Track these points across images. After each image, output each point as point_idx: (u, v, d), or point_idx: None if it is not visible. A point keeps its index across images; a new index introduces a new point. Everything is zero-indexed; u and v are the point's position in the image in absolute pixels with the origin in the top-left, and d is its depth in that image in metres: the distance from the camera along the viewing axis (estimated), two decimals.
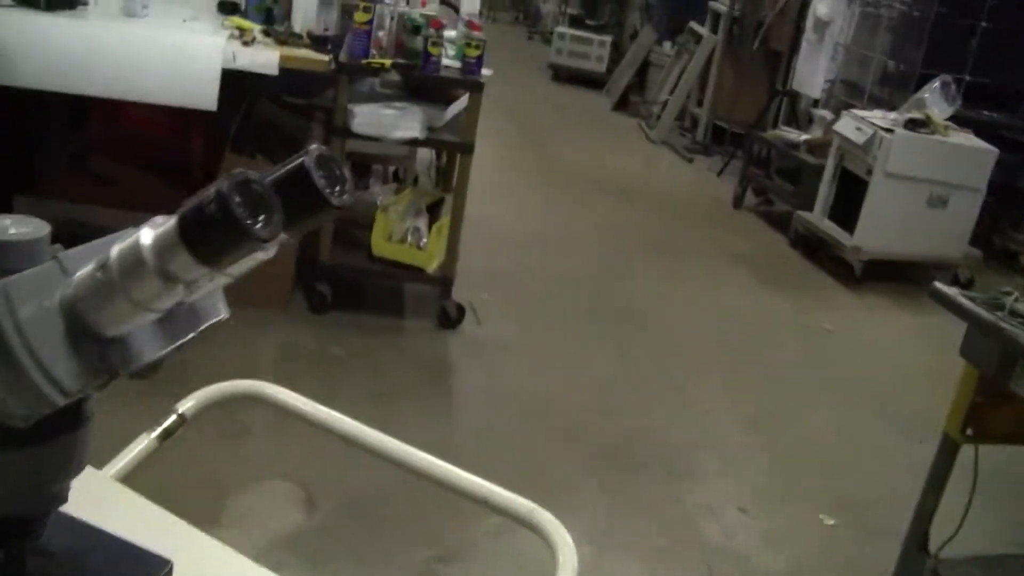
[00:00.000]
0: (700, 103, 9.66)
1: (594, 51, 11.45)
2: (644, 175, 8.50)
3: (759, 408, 4.81)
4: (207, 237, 0.75)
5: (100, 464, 1.37)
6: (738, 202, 8.00)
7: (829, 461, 4.47)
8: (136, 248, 0.79)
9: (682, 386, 4.88)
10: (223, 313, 0.91)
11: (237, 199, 0.73)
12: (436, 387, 4.50)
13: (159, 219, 0.79)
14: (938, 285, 2.98)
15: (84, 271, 0.82)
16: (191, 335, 0.89)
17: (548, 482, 3.82)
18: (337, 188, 0.78)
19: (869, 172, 6.55)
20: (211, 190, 0.73)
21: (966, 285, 7.07)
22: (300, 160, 0.79)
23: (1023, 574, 3.30)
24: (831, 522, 3.98)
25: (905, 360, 5.77)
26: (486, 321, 5.02)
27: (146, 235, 0.78)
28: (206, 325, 0.90)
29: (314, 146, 0.79)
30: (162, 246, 0.78)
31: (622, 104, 10.60)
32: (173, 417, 1.58)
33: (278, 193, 0.77)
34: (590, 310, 5.55)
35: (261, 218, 0.74)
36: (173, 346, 0.87)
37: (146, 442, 1.52)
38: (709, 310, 5.91)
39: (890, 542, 3.68)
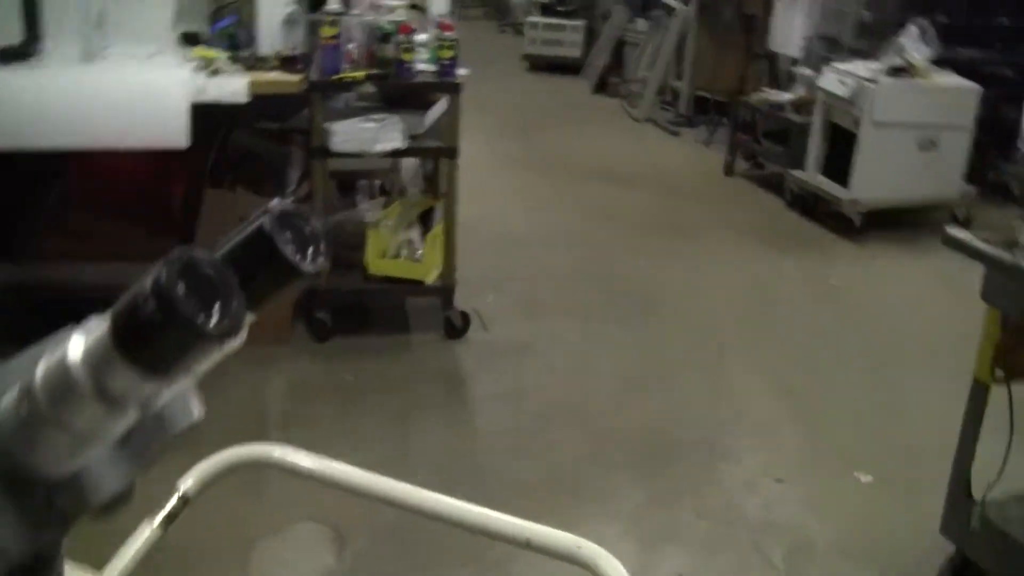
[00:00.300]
0: (679, 76, 9.56)
1: (568, 37, 11.35)
2: (632, 155, 8.40)
3: (782, 375, 4.73)
4: (149, 343, 0.59)
5: (100, 562, 1.26)
6: (729, 170, 7.92)
7: (858, 418, 4.41)
8: (63, 366, 0.63)
9: (702, 364, 4.80)
10: (196, 415, 0.74)
11: (181, 289, 0.58)
12: (453, 398, 4.42)
13: (93, 322, 0.64)
14: (951, 230, 2.92)
15: (4, 403, 0.66)
16: (161, 451, 0.74)
17: (581, 482, 3.76)
18: (309, 250, 0.66)
19: (857, 124, 6.49)
20: (147, 281, 0.58)
21: (965, 223, 7.00)
22: (258, 223, 0.64)
23: None
24: (868, 479, 3.92)
25: (919, 306, 5.71)
26: (493, 325, 4.94)
27: (75, 347, 0.63)
28: (179, 432, 0.74)
29: (274, 202, 0.66)
30: (95, 360, 0.62)
31: (601, 87, 10.51)
32: (175, 500, 1.46)
33: (236, 268, 0.62)
34: (598, 299, 5.46)
35: (215, 308, 0.59)
36: (141, 469, 0.72)
37: (148, 532, 1.40)
38: (717, 282, 5.83)
39: (932, 493, 3.62)
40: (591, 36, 11.23)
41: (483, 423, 4.23)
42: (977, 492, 3.09)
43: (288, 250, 0.64)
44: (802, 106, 7.20)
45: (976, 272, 3.06)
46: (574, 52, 11.32)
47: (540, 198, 7.13)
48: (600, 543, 3.41)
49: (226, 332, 0.59)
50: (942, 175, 6.78)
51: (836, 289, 5.90)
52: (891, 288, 6.02)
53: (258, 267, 0.64)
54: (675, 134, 9.06)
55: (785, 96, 7.44)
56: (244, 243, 0.65)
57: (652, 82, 9.45)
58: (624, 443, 4.07)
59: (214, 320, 0.59)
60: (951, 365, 4.66)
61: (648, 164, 8.15)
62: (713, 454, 4.03)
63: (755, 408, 4.43)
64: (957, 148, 6.77)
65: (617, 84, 10.32)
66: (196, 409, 0.73)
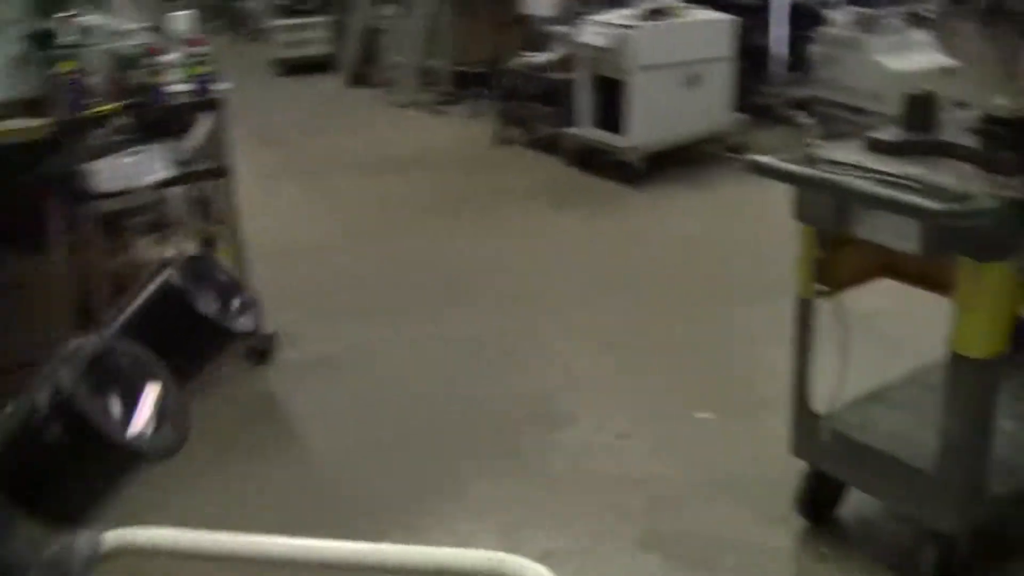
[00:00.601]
0: (435, 55, 9.46)
1: (314, 35, 11.08)
2: (403, 142, 8.25)
3: (602, 331, 4.71)
4: (58, 483, 0.43)
5: None
6: (503, 139, 7.87)
7: (685, 359, 4.43)
8: None
9: (523, 336, 4.73)
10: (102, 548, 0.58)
11: (92, 396, 0.41)
12: (276, 426, 4.18)
13: None
14: (752, 157, 2.89)
15: None
16: None
17: (427, 483, 3.62)
18: (234, 303, 0.48)
19: (622, 72, 6.56)
20: (39, 395, 0.41)
21: (740, 150, 7.17)
22: (163, 283, 0.49)
23: (907, 399, 3.28)
24: (708, 416, 3.93)
25: (719, 239, 5.82)
26: (302, 342, 4.71)
27: None
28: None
29: (173, 255, 0.48)
30: None
31: (359, 79, 10.30)
32: None
33: (151, 348, 0.45)
34: (404, 294, 5.31)
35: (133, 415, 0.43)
36: None
37: None
38: (517, 252, 5.77)
39: (774, 418, 3.65)
40: (339, 30, 11.00)
41: (313, 447, 4.02)
42: (819, 407, 3.11)
43: (211, 309, 0.47)
44: (564, 64, 7.21)
45: (764, 195, 3.06)
46: (324, 49, 11.06)
47: (322, 201, 6.92)
48: (462, 540, 3.30)
49: (169, 445, 0.42)
50: (711, 108, 6.96)
51: (633, 236, 5.93)
52: (687, 225, 6.10)
53: (179, 339, 0.47)
54: (442, 113, 8.97)
55: (546, 57, 7.43)
56: (152, 312, 0.47)
57: (409, 66, 9.33)
58: (461, 433, 3.96)
59: (143, 430, 0.41)
60: (764, 290, 4.76)
61: (421, 148, 8.02)
62: (552, 423, 3.97)
63: (584, 369, 4.39)
64: (721, 80, 6.96)
65: (374, 74, 10.15)
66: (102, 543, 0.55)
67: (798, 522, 3.25)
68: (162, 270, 0.48)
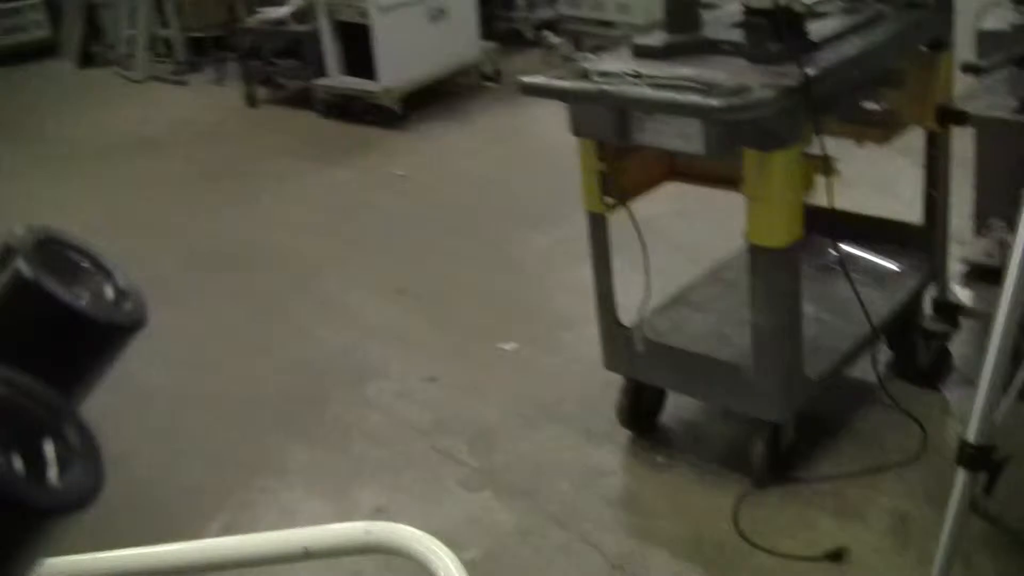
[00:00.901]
0: (166, 24, 9.05)
1: (28, 18, 10.38)
2: (151, 118, 7.83)
3: (391, 279, 4.61)
4: None
5: None
6: (252, 101, 7.59)
7: (478, 293, 4.39)
8: None
9: (312, 294, 4.59)
10: None
11: None
12: None
13: None
14: (524, 79, 2.84)
15: None
16: None
17: (250, 460, 3.48)
18: (107, 290, 0.38)
19: (364, 15, 6.40)
20: None
21: (495, 77, 7.16)
22: (11, 277, 0.39)
23: (710, 298, 3.34)
24: (513, 346, 3.90)
25: (496, 166, 5.78)
26: None
27: None
28: None
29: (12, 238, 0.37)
30: None
31: (88, 59, 9.76)
32: None
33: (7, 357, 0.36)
34: (178, 275, 5.01)
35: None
36: None
37: None
38: (289, 215, 5.57)
39: (579, 338, 3.66)
40: (56, 11, 10.38)
41: (116, 450, 3.79)
42: (626, 320, 3.12)
43: (84, 301, 0.36)
44: (303, 14, 7.01)
45: (528, 118, 3.02)
46: (42, 32, 10.40)
47: (75, 193, 6.51)
48: (291, 512, 3.17)
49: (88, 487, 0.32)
50: (459, 40, 6.91)
51: (404, 179, 5.83)
52: (457, 160, 6.04)
53: (49, 348, 0.36)
54: (183, 83, 8.59)
55: (283, 10, 7.19)
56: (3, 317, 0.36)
57: (140, 39, 8.88)
58: (270, 405, 3.81)
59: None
60: (551, 213, 4.77)
61: (170, 121, 7.65)
62: (358, 378, 3.86)
63: (378, 319, 4.29)
64: (465, 10, 6.90)
65: (104, 52, 9.64)
66: None
67: (624, 436, 3.27)
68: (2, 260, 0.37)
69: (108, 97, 8.60)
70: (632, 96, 2.61)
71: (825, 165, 2.72)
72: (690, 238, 4.29)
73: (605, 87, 2.63)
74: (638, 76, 2.65)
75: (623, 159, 2.99)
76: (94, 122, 7.90)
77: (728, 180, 2.79)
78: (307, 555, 1.15)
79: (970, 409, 1.92)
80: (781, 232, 2.66)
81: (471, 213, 5.20)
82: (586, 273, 3.17)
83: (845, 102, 2.89)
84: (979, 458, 1.88)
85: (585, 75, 2.74)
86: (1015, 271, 1.83)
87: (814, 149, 2.67)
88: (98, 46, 9.71)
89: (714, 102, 2.44)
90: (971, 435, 1.89)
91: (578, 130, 2.85)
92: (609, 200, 2.99)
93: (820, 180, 2.77)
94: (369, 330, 4.21)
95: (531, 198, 5.18)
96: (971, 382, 3.22)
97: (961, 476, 1.90)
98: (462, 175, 5.79)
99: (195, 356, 4.26)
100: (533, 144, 6.00)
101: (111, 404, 3.69)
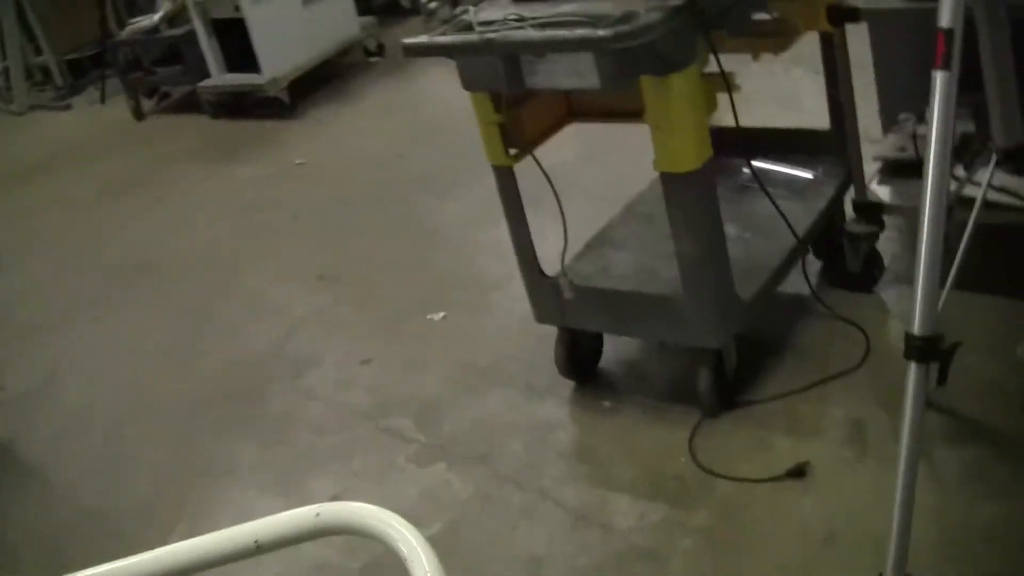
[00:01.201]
0: (39, 51, 8.78)
1: None
2: (38, 147, 7.59)
3: (310, 268, 4.50)
4: None
5: None
6: (140, 114, 7.40)
7: (404, 269, 4.29)
8: None
9: (233, 293, 4.49)
10: None
11: None
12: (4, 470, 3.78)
13: None
14: (406, 40, 2.73)
15: None
16: None
17: (200, 464, 3.39)
18: None
19: (237, 8, 6.25)
20: None
21: (379, 52, 7.06)
22: None
23: (629, 236, 3.29)
24: (441, 315, 3.83)
25: (396, 139, 5.68)
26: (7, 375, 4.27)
27: None
28: None
29: None
30: None
31: None
32: None
33: None
34: (92, 295, 4.86)
35: None
36: None
37: None
38: (195, 217, 5.43)
39: (508, 294, 3.60)
40: None
41: (54, 477, 3.62)
42: (549, 270, 3.06)
43: None
44: (174, 18, 6.83)
45: (415, 88, 2.91)
46: None
47: None
48: (248, 508, 3.10)
49: None
50: (336, 19, 6.82)
51: (305, 167, 5.71)
52: (356, 140, 5.94)
53: None
54: (67, 107, 8.35)
55: (155, 17, 7.00)
56: None
57: (14, 68, 8.60)
58: (211, 407, 3.70)
59: None
60: (459, 177, 4.71)
61: (58, 146, 7.42)
62: (294, 370, 3.78)
63: (306, 310, 4.18)
64: None
65: None
66: None
67: (568, 387, 3.20)
68: None
69: None
70: (519, 40, 2.52)
71: (725, 82, 2.66)
72: (599, 181, 4.22)
73: (490, 35, 2.54)
74: (521, 19, 2.56)
75: (520, 107, 2.91)
76: None
77: (629, 113, 2.72)
78: (259, 548, 1.07)
79: (909, 307, 1.87)
80: (690, 156, 2.59)
81: (378, 191, 5.10)
82: (503, 232, 3.10)
83: (735, 16, 2.81)
84: (927, 349, 1.83)
85: (468, 27, 2.64)
86: (936, 150, 1.78)
87: (711, 68, 2.62)
88: None
89: (602, 32, 2.35)
90: (916, 327, 1.84)
91: (469, 85, 2.76)
92: (512, 151, 2.92)
93: (722, 99, 2.72)
94: (297, 320, 4.11)
95: (435, 167, 5.09)
96: (904, 280, 3.25)
97: (912, 371, 1.84)
98: (362, 154, 5.68)
99: (126, 370, 4.13)
100: (428, 113, 5.91)
101: (47, 434, 3.59)
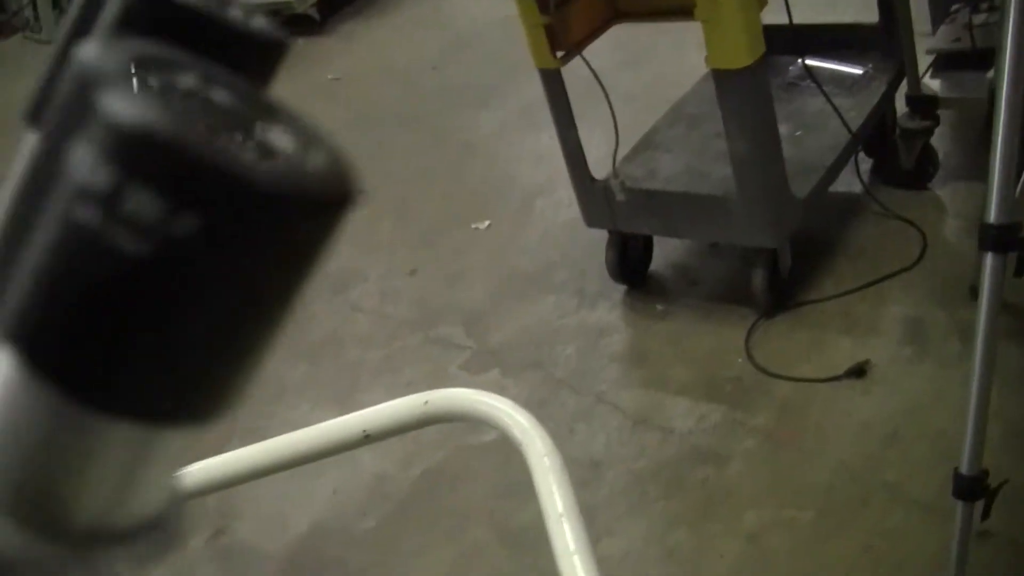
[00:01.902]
0: None
1: None
2: None
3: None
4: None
5: None
6: None
7: (443, 180, 4.24)
8: None
9: None
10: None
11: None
12: None
13: None
14: None
15: None
16: None
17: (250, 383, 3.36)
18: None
19: None
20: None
21: None
22: None
23: (676, 137, 3.22)
24: (486, 224, 3.78)
25: (437, 50, 5.58)
26: None
27: None
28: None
29: None
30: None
31: None
32: None
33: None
34: None
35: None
36: None
37: None
38: None
39: (554, 201, 3.55)
40: None
41: None
42: (597, 174, 3.01)
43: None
44: None
45: (439, 2, 2.81)
46: None
47: None
48: (296, 426, 3.09)
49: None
50: None
51: (338, 82, 5.64)
52: (384, 56, 5.84)
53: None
54: None
55: None
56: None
57: None
58: None
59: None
60: (502, 85, 4.62)
61: None
62: (340, 286, 3.69)
63: (346, 226, 4.12)
64: None
65: (8, 20, 9.25)
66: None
67: (619, 292, 3.17)
68: None
69: (23, 65, 8.27)
70: None
71: None
72: (639, 86, 4.14)
73: None
74: None
75: (566, 7, 2.85)
76: (14, 95, 7.57)
77: (678, 10, 2.65)
78: (367, 438, 1.05)
79: (965, 203, 1.81)
80: (743, 51, 2.52)
81: (414, 104, 5.03)
82: (544, 140, 3.06)
83: None
84: (1005, 238, 1.77)
85: None
86: (1014, 27, 1.69)
87: None
88: (2, 15, 9.33)
89: None
90: (992, 215, 1.77)
91: None
92: (559, 53, 2.86)
93: None
94: (337, 237, 4.07)
95: (470, 79, 5.01)
96: (960, 176, 3.18)
97: (989, 261, 1.78)
98: (396, 69, 5.60)
99: None
100: (460, 25, 5.81)
101: None
